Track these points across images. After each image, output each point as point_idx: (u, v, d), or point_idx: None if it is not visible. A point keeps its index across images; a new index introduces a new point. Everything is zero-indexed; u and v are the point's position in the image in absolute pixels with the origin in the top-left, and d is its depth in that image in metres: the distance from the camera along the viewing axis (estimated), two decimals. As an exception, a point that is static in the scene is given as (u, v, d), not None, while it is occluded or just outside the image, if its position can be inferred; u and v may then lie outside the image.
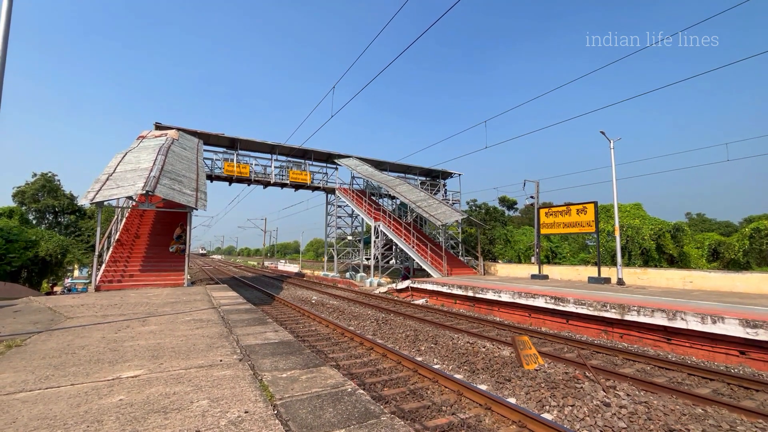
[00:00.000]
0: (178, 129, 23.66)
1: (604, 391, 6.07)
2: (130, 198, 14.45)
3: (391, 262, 30.20)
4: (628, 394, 5.96)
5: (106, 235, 15.79)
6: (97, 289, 12.12)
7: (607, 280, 16.57)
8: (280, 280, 28.98)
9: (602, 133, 17.54)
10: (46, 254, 24.37)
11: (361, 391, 3.50)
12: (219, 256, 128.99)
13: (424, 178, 35.57)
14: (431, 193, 32.18)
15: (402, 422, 2.88)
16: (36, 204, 34.62)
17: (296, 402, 3.20)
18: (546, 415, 5.29)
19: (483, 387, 6.33)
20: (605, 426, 4.98)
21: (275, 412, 3.01)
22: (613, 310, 9.94)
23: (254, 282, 27.30)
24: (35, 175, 36.03)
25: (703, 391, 6.36)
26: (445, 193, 35.12)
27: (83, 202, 11.74)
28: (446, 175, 35.40)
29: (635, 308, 9.51)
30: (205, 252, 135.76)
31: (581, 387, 6.24)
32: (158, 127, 23.77)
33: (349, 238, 32.85)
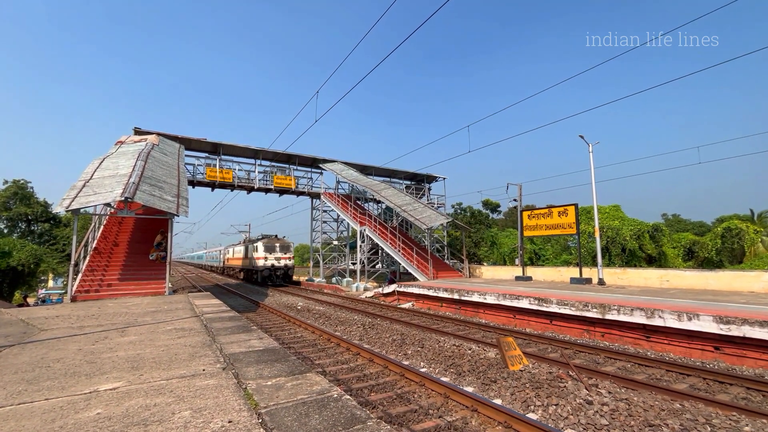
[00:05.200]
0: (159, 134, 23.17)
1: (586, 389, 6.20)
2: (108, 205, 14.05)
3: (377, 266, 30.15)
4: (609, 392, 6.11)
5: (83, 243, 15.29)
6: (73, 299, 11.70)
7: (589, 281, 16.94)
8: (265, 287, 28.57)
9: (581, 137, 18.01)
10: (19, 264, 23.42)
11: (348, 397, 3.48)
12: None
13: (409, 182, 35.75)
14: (416, 197, 32.35)
15: (388, 426, 2.88)
16: (7, 212, 33.28)
17: (281, 410, 3.17)
18: (531, 415, 5.37)
19: (469, 389, 6.37)
20: (588, 423, 5.09)
21: (260, 420, 2.97)
22: (595, 310, 10.17)
23: (238, 289, 26.84)
24: (6, 182, 34.70)
25: (680, 386, 6.56)
26: (430, 197, 35.39)
27: (58, 209, 11.35)
28: (431, 179, 35.68)
29: (615, 307, 9.75)
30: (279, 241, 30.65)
31: (565, 386, 6.36)
32: (138, 132, 23.23)
33: (335, 242, 32.67)
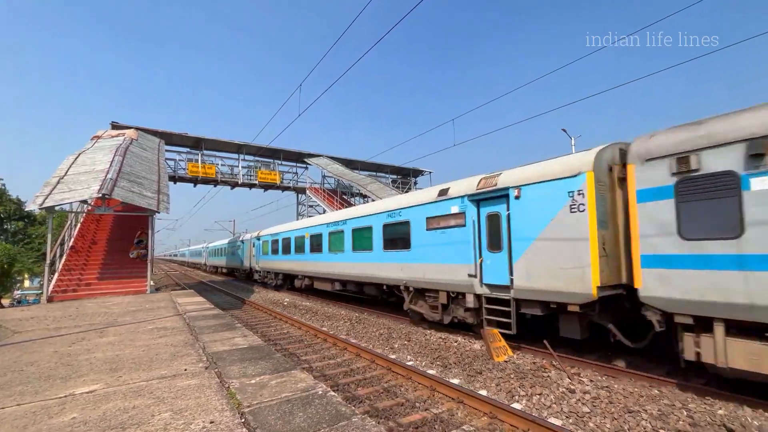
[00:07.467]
0: (138, 128, 22.51)
1: (569, 378, 6.34)
2: (84, 202, 13.63)
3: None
4: (591, 380, 6.25)
5: (59, 242, 14.80)
6: (50, 300, 11.34)
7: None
8: (251, 283, 28.26)
9: (564, 130, 18.29)
10: (-9, 264, 22.53)
11: (332, 393, 3.46)
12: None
13: (395, 177, 35.76)
14: (402, 191, 32.38)
15: (373, 422, 2.87)
16: (-22, 210, 31.96)
17: (265, 408, 3.13)
18: (516, 405, 5.46)
19: (455, 381, 6.44)
20: (570, 412, 5.20)
21: (242, 420, 2.92)
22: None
23: (223, 286, 26.47)
24: (-24, 179, 33.31)
25: (658, 372, 6.75)
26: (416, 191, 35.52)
27: (31, 207, 10.94)
28: (417, 173, 35.76)
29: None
30: None
31: (548, 376, 6.48)
32: (115, 126, 22.52)
33: (322, 238, 32.49)
